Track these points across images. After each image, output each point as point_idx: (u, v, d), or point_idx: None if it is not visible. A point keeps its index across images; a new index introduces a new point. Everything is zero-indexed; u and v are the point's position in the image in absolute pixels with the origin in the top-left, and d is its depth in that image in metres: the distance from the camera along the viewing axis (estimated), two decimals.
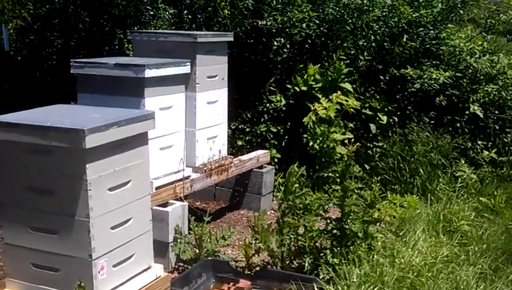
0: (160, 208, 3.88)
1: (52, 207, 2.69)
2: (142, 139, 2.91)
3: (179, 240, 3.89)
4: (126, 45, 6.09)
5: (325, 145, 5.20)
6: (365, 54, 6.07)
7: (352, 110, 5.49)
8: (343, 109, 5.43)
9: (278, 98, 5.82)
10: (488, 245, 4.26)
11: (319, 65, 5.78)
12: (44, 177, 2.68)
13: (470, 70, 6.19)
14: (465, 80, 6.18)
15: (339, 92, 5.48)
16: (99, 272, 2.68)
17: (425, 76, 5.82)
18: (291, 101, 5.83)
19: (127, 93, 3.83)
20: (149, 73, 3.80)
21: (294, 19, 5.73)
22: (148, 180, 3.06)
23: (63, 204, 2.66)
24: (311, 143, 5.26)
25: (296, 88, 5.75)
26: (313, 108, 5.46)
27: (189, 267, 3.84)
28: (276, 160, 5.64)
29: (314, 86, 5.67)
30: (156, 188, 3.90)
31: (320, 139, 5.20)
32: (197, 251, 3.94)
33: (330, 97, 5.46)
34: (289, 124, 5.84)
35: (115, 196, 2.75)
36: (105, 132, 2.64)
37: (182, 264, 3.93)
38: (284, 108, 5.81)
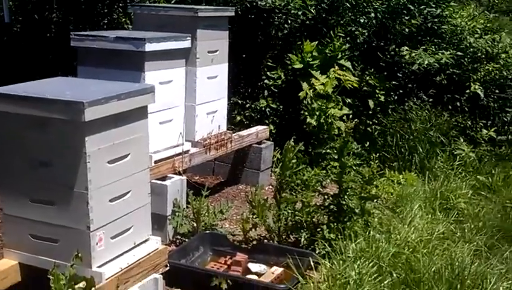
0: (159, 182, 3.90)
1: (51, 179, 2.70)
2: (141, 113, 2.92)
3: (177, 214, 3.93)
4: (124, 19, 6.06)
5: (322, 121, 5.20)
6: (365, 31, 6.04)
7: (350, 86, 5.48)
8: (341, 84, 5.41)
9: (278, 74, 5.81)
10: (484, 223, 4.30)
11: (316, 42, 5.75)
12: (44, 149, 2.69)
13: (471, 50, 6.17)
14: (466, 59, 6.16)
15: (337, 67, 5.46)
16: (97, 244, 2.71)
17: (420, 60, 5.75)
18: (290, 78, 5.82)
19: (127, 67, 3.83)
20: (149, 47, 3.79)
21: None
22: (147, 154, 3.08)
23: (62, 176, 2.67)
24: (308, 119, 5.26)
25: (293, 65, 5.74)
26: (311, 83, 5.44)
27: (187, 240, 3.88)
28: (275, 136, 5.65)
29: (311, 62, 5.65)
30: (155, 162, 3.92)
31: (318, 114, 5.19)
32: (195, 225, 3.98)
33: (328, 73, 5.44)
34: (287, 100, 5.83)
35: (114, 169, 2.77)
36: (104, 105, 2.64)
37: (179, 237, 3.97)
38: (283, 85, 5.80)
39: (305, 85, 5.52)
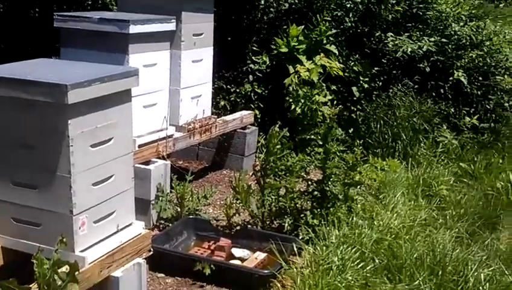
0: (143, 166, 3.88)
1: (33, 162, 2.67)
2: (125, 96, 2.88)
3: (160, 198, 3.91)
4: (109, 0, 5.98)
5: (306, 109, 5.19)
6: (351, 15, 6.02)
7: (335, 73, 5.48)
8: (326, 71, 5.40)
9: (263, 58, 5.78)
10: (466, 210, 4.34)
11: (302, 26, 5.73)
12: (26, 132, 2.65)
13: (456, 36, 6.19)
14: (450, 46, 6.18)
15: (322, 54, 5.45)
16: (80, 228, 2.69)
17: (404, 47, 5.76)
18: (275, 63, 5.79)
19: (111, 49, 3.78)
20: (134, 29, 3.75)
21: None
22: (131, 138, 3.05)
23: (44, 159, 2.64)
24: (293, 106, 5.25)
25: (279, 49, 5.71)
26: (296, 70, 5.42)
27: (170, 225, 3.87)
28: (260, 121, 5.64)
29: (297, 47, 5.63)
30: (139, 146, 3.89)
31: (303, 101, 5.18)
32: (179, 210, 3.97)
33: (313, 59, 5.42)
34: (272, 85, 5.82)
35: (97, 153, 2.74)
36: (87, 88, 2.61)
37: (163, 222, 3.96)
38: (268, 69, 5.78)
39: (291, 69, 5.51)
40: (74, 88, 2.53)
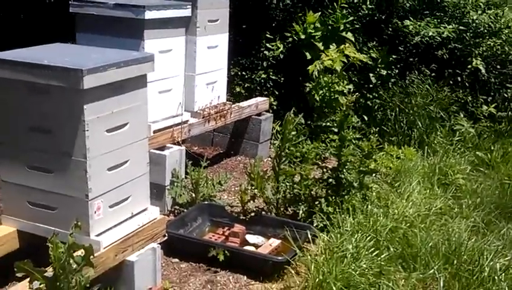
0: (158, 152, 3.89)
1: (49, 147, 2.68)
2: (140, 82, 2.89)
3: (175, 184, 3.92)
4: None
5: (327, 96, 5.16)
6: (368, 2, 5.97)
7: (359, 63, 5.43)
8: (349, 61, 5.35)
9: (278, 45, 5.75)
10: (482, 199, 4.30)
11: (319, 13, 5.69)
12: (42, 116, 2.67)
13: (474, 24, 6.11)
14: (468, 34, 6.10)
15: (348, 44, 5.40)
16: (95, 212, 2.70)
17: (424, 32, 5.70)
18: (290, 49, 5.76)
19: (127, 34, 3.78)
20: (149, 15, 3.74)
21: None
22: (146, 124, 3.05)
23: (60, 144, 2.65)
24: (313, 92, 5.22)
25: (295, 36, 5.68)
26: (320, 57, 5.37)
27: (185, 210, 3.88)
28: (274, 108, 5.62)
29: (313, 34, 5.59)
30: (154, 132, 3.90)
31: (325, 89, 5.14)
32: (193, 195, 3.98)
33: (338, 48, 5.37)
34: (288, 72, 5.79)
35: (113, 138, 2.75)
36: (103, 73, 2.61)
37: (177, 207, 3.97)
38: (282, 56, 5.75)
39: (308, 55, 5.47)
40: (90, 73, 2.54)
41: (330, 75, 5.23)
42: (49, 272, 2.32)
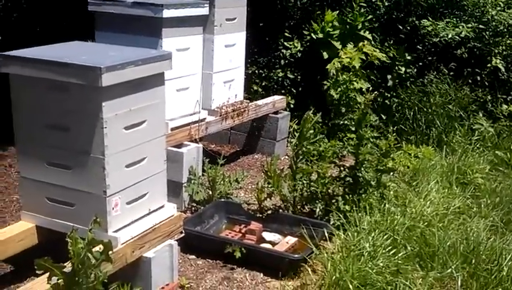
0: (175, 149, 3.91)
1: (68, 144, 2.71)
2: (158, 80, 2.90)
3: (192, 181, 3.94)
4: None
5: (345, 95, 5.14)
6: (385, 1, 5.94)
7: (378, 61, 5.41)
8: (368, 59, 5.33)
9: (296, 44, 5.75)
10: (501, 198, 4.26)
11: (337, 12, 5.67)
12: (61, 114, 2.69)
13: (493, 23, 6.05)
14: (487, 33, 6.05)
15: (366, 41, 5.38)
16: (113, 209, 2.73)
17: (443, 33, 5.66)
18: (307, 48, 5.75)
19: (145, 32, 3.81)
20: (167, 13, 3.76)
21: None
22: (164, 121, 3.07)
23: (78, 141, 2.68)
24: (331, 91, 5.21)
25: (313, 35, 5.67)
26: (339, 55, 5.36)
27: (202, 208, 3.89)
28: (291, 106, 5.62)
29: (331, 32, 5.58)
30: (172, 129, 3.92)
31: (343, 87, 5.13)
32: (210, 193, 3.99)
33: (357, 46, 5.35)
34: (305, 70, 5.78)
35: (130, 135, 2.77)
36: (121, 71, 2.63)
37: (194, 204, 3.99)
38: (300, 54, 5.74)
39: (325, 54, 5.46)
40: (108, 71, 2.56)
41: (348, 73, 5.21)
42: (68, 267, 2.34)
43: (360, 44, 5.33)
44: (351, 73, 5.19)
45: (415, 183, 4.35)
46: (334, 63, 5.31)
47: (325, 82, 5.31)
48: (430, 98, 5.71)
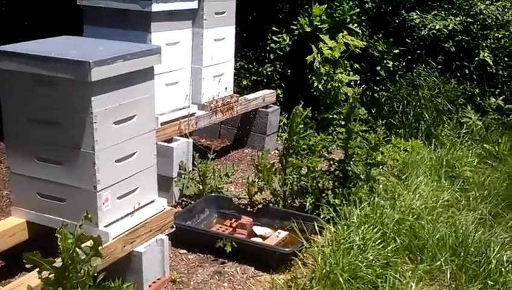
0: (165, 144, 3.90)
1: (57, 139, 2.70)
2: (148, 74, 2.90)
3: (183, 176, 3.94)
4: None
5: (329, 86, 5.16)
6: None
7: (358, 50, 5.42)
8: (349, 49, 5.35)
9: (285, 37, 5.74)
10: (490, 191, 4.30)
11: (325, 5, 5.67)
12: (50, 109, 2.68)
13: (481, 16, 6.08)
14: (475, 26, 6.08)
15: (346, 32, 5.39)
16: (103, 204, 2.72)
17: (431, 25, 5.69)
18: (296, 42, 5.75)
19: (134, 27, 3.80)
20: (156, 7, 3.75)
21: None
22: (154, 116, 3.06)
23: (68, 136, 2.67)
24: (315, 84, 5.22)
25: (301, 29, 5.67)
26: (319, 47, 5.38)
27: (193, 202, 3.90)
28: (281, 100, 5.62)
29: (319, 26, 5.58)
30: (161, 124, 3.91)
31: (325, 79, 5.15)
32: (201, 187, 3.99)
33: (336, 38, 5.37)
34: (294, 64, 5.78)
35: (120, 130, 2.76)
36: (111, 65, 2.63)
37: (185, 199, 3.99)
38: (289, 48, 5.74)
39: (314, 48, 5.47)
40: (97, 65, 2.55)
41: (331, 65, 5.23)
42: (58, 262, 2.34)
43: (339, 34, 5.34)
44: (331, 65, 5.21)
45: (404, 176, 4.38)
46: (313, 55, 5.32)
47: (309, 75, 5.32)
48: (418, 91, 5.74)
